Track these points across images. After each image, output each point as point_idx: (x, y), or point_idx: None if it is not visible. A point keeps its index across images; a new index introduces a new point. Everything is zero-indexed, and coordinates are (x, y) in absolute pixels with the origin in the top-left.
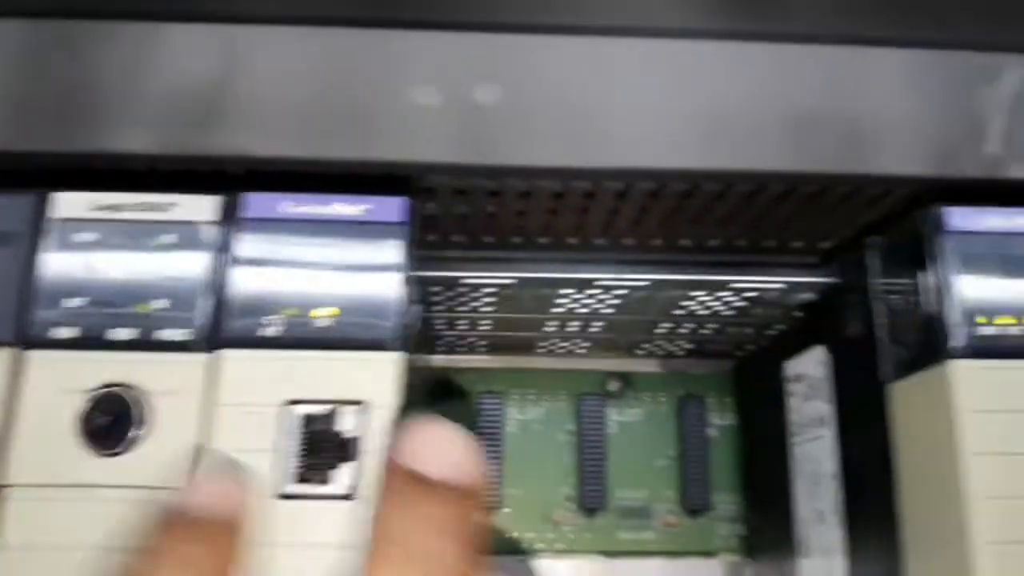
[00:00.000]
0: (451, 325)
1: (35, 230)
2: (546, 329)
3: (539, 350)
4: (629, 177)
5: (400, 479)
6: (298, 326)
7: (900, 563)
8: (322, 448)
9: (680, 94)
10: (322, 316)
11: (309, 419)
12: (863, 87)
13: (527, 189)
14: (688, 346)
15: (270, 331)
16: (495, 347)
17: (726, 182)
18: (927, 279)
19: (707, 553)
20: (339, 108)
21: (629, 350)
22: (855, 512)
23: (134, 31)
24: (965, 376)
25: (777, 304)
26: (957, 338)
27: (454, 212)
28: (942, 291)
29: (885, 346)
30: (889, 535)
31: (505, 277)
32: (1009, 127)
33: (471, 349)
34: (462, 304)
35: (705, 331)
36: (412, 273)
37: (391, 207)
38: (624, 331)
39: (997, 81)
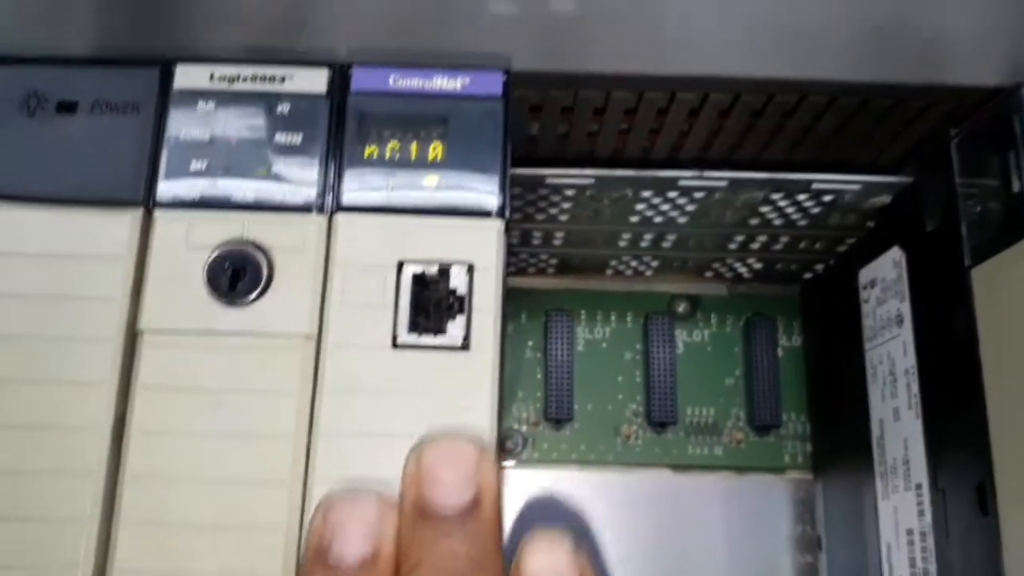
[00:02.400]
0: (525, 239)
1: (161, 99)
2: (620, 243)
3: (608, 271)
4: (704, 86)
5: None
6: (408, 192)
7: (984, 438)
8: (434, 303)
9: (755, 2)
10: (429, 184)
11: (420, 277)
12: None
13: (601, 105)
14: (757, 266)
15: (381, 196)
16: (565, 267)
17: (800, 92)
18: (1013, 157)
19: (775, 470)
20: (427, 13)
21: (698, 272)
22: (935, 402)
23: None
24: None
25: (853, 208)
26: None
27: (527, 134)
28: None
29: (969, 231)
30: (972, 418)
31: (588, 175)
32: None
33: (541, 271)
34: (540, 211)
35: (777, 246)
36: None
37: (490, 81)
38: (695, 247)
39: None
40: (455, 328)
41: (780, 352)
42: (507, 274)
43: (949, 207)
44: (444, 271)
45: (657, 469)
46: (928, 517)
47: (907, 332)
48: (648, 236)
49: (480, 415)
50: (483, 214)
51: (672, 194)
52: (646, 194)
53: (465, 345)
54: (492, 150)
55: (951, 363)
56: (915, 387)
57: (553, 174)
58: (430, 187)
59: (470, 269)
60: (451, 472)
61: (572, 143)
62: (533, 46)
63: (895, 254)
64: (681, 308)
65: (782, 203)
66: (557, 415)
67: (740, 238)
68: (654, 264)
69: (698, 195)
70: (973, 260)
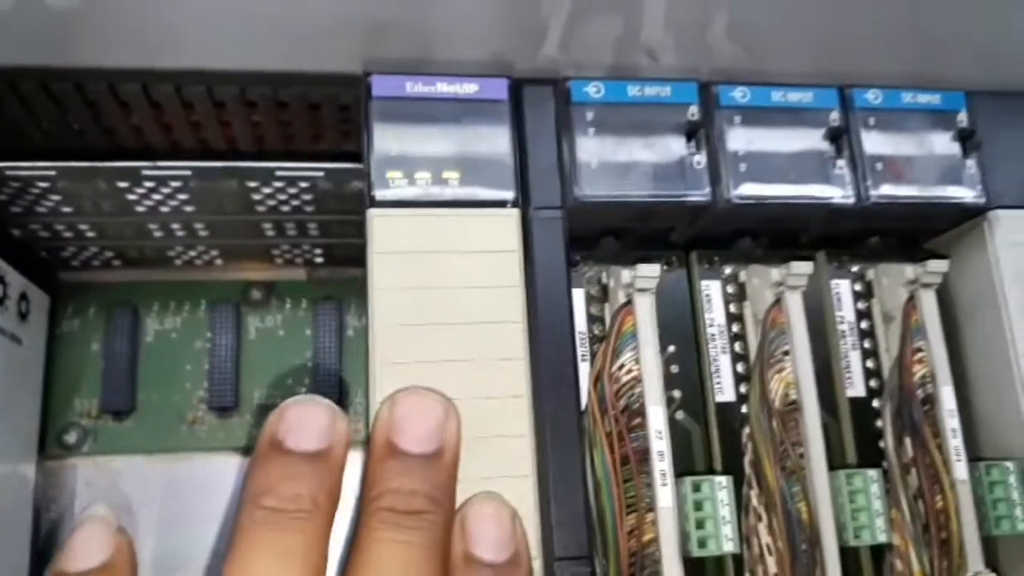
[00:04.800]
0: (55, 233)
1: None
2: (154, 234)
3: (177, 262)
4: (207, 80)
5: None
6: None
7: None
8: None
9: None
10: None
11: None
12: None
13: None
14: (320, 251)
15: None
16: (128, 260)
17: (292, 83)
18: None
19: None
20: None
21: (267, 259)
22: None
23: None
24: (380, 223)
25: (341, 195)
26: (376, 190)
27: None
28: (369, 151)
29: None
30: None
31: (47, 167)
32: (566, 31)
33: (106, 264)
34: (38, 205)
35: (313, 232)
36: None
37: None
38: (230, 235)
39: None
40: None
41: (351, 333)
42: None
43: None
44: None
45: (222, 453)
46: None
47: None
48: (175, 225)
49: None
50: None
51: (149, 184)
52: (123, 184)
53: None
54: None
55: None
56: None
57: (8, 167)
58: None
59: None
60: (420, 422)
61: (118, 136)
62: (30, 42)
63: None
64: (256, 295)
65: (266, 190)
66: (116, 407)
67: (268, 225)
68: (214, 253)
69: (174, 184)
70: None
